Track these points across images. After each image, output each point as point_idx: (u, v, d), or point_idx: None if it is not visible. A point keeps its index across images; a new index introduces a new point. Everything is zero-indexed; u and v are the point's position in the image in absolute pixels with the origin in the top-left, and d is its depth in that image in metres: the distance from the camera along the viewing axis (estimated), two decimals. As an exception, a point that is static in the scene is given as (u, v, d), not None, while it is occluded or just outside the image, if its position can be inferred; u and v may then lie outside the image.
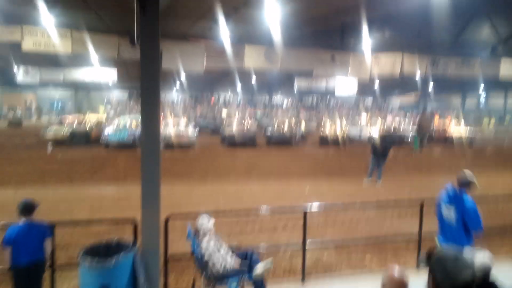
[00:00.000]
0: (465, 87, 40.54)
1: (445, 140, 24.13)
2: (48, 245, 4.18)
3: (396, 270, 2.78)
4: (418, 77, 27.11)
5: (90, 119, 23.35)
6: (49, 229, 4.23)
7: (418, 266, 5.52)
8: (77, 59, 22.01)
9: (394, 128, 24.63)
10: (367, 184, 12.33)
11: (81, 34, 15.64)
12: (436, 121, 29.49)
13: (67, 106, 44.37)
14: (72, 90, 43.18)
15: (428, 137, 22.63)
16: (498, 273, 3.24)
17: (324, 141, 23.55)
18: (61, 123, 22.42)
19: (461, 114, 37.38)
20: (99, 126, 22.20)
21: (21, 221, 4.10)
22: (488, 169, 15.59)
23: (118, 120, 21.24)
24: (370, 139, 13.58)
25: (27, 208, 4.14)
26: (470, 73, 20.69)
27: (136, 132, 18.67)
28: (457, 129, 24.97)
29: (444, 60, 19.94)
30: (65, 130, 20.26)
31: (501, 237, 7.40)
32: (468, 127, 25.67)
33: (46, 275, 4.37)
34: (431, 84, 33.09)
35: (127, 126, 19.73)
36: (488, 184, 12.67)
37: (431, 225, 7.57)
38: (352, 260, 6.35)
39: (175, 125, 21.30)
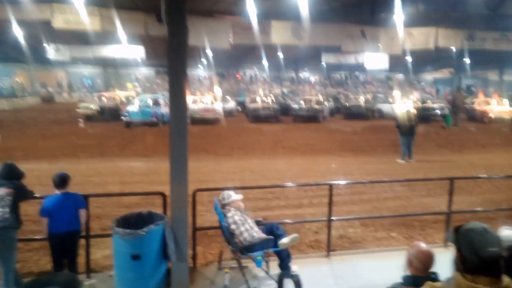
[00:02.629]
0: (503, 62, 38.48)
1: (481, 117, 22.96)
2: (82, 215, 4.38)
3: (423, 244, 2.77)
4: (453, 52, 25.98)
5: (119, 95, 23.82)
6: (83, 200, 4.42)
7: (446, 243, 5.45)
8: (106, 36, 22.30)
9: (423, 104, 23.86)
10: (400, 162, 12.11)
11: (109, 12, 15.80)
12: (479, 99, 27.75)
13: (96, 83, 45.30)
14: (101, 67, 44.03)
15: (462, 114, 21.81)
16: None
17: (350, 116, 23.31)
18: (92, 99, 23.06)
19: (499, 91, 35.68)
20: (128, 102, 22.68)
21: (57, 192, 4.30)
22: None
23: (140, 98, 21.16)
24: (396, 116, 13.20)
25: (62, 181, 4.34)
26: (508, 48, 19.66)
27: (159, 111, 18.63)
28: (494, 106, 23.70)
29: (481, 35, 18.99)
30: (95, 106, 20.81)
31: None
32: (506, 105, 24.42)
33: (82, 243, 4.59)
34: (467, 59, 31.53)
35: (150, 105, 19.60)
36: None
37: (461, 203, 7.44)
38: (378, 236, 6.33)
39: (201, 100, 21.61)
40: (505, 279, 1.74)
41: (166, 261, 4.27)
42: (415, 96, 30.33)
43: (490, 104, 23.74)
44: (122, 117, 18.59)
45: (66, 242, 4.26)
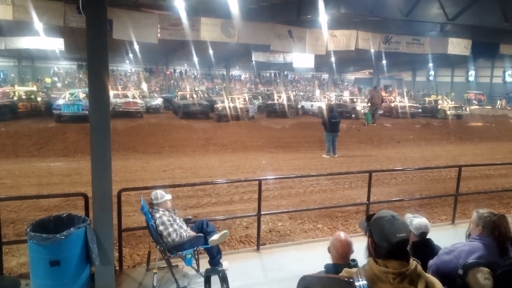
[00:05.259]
0: (415, 64, 42.19)
1: (396, 114, 25.32)
2: (-8, 221, 4.00)
3: (341, 233, 2.96)
4: (372, 54, 27.81)
5: (18, 91, 21.92)
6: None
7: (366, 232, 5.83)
8: (20, 27, 20.47)
9: (345, 102, 25.50)
10: (326, 157, 12.69)
11: (23, 0, 14.47)
12: (393, 97, 30.86)
13: (10, 77, 41.35)
14: (15, 61, 40.30)
15: (379, 111, 23.46)
16: (436, 236, 3.52)
17: (279, 114, 24.22)
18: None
19: (411, 90, 39.03)
20: (30, 98, 21.24)
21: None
22: (433, 142, 16.58)
23: (71, 92, 20.46)
24: (320, 112, 13.98)
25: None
26: (420, 51, 21.52)
27: None
28: (407, 104, 26.29)
29: (396, 38, 20.54)
30: None
31: (441, 204, 7.98)
32: (417, 103, 27.09)
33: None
34: (384, 61, 33.98)
35: (81, 98, 19.02)
36: (434, 155, 13.54)
37: (379, 194, 8.04)
38: (305, 228, 6.60)
39: (124, 94, 22.51)
40: (413, 262, 1.91)
41: (90, 266, 4.07)
42: (339, 94, 32.10)
43: (394, 101, 27.40)
44: (53, 111, 18.26)
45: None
